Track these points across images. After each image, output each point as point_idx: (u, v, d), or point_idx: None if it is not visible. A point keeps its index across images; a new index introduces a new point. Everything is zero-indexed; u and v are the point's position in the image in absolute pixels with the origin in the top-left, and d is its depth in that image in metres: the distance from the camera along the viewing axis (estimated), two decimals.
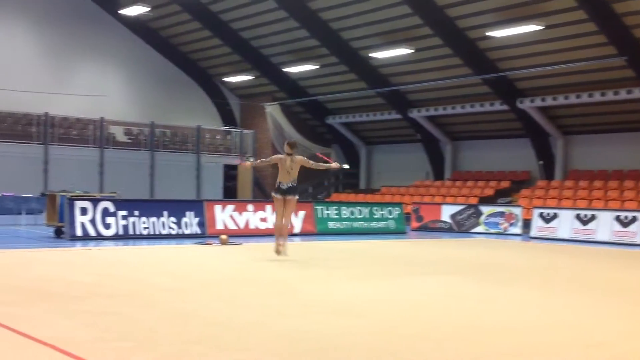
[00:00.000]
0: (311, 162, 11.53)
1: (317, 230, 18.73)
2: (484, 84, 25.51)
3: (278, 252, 11.54)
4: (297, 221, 18.40)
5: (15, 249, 13.23)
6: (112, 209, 15.45)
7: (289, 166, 11.32)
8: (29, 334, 5.27)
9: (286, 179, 11.36)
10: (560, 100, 24.01)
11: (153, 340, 5.25)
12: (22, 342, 5.08)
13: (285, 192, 11.38)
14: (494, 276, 10.10)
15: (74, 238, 14.69)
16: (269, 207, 18.18)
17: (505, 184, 27.11)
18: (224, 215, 17.30)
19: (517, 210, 20.91)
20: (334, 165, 11.99)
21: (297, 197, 11.59)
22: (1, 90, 27.52)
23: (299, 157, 11.46)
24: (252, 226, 17.70)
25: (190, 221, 16.67)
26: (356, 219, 19.77)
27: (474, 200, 25.32)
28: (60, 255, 11.81)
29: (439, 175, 30.21)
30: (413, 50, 24.42)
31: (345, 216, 19.56)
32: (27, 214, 19.48)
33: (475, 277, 9.87)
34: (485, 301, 7.63)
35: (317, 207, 19.23)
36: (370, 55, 25.70)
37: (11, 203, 19.09)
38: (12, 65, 28.59)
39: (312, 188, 33.77)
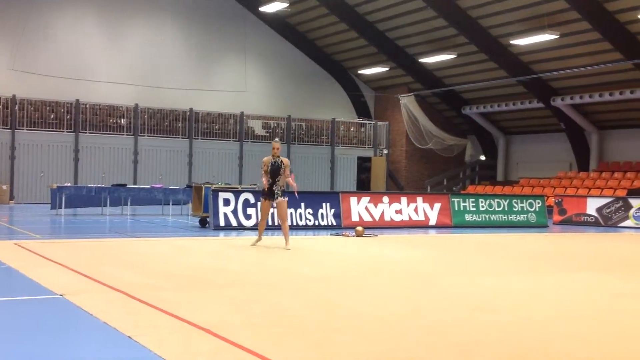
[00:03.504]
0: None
1: (453, 223, 18.36)
2: (636, 69, 23.87)
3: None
4: (432, 213, 18.15)
5: (166, 237, 14.03)
6: (252, 200, 15.88)
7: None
8: (185, 318, 5.54)
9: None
10: None
11: (301, 328, 5.37)
12: (178, 325, 5.35)
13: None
14: None
15: (218, 228, 15.29)
16: (404, 199, 18.05)
17: None
18: (359, 207, 17.35)
19: None
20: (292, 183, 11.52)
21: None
22: (151, 88, 29.29)
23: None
24: (387, 218, 17.63)
25: (326, 213, 16.87)
26: (494, 212, 19.18)
27: (622, 193, 23.89)
28: (206, 244, 12.37)
29: (583, 166, 28.71)
30: (557, 36, 23.27)
31: (483, 209, 19.03)
32: (173, 204, 20.55)
33: (625, 273, 9.26)
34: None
35: (454, 199, 18.83)
36: (511, 42, 24.79)
37: (160, 194, 20.16)
38: (161, 63, 30.26)
39: (447, 180, 33.19)
